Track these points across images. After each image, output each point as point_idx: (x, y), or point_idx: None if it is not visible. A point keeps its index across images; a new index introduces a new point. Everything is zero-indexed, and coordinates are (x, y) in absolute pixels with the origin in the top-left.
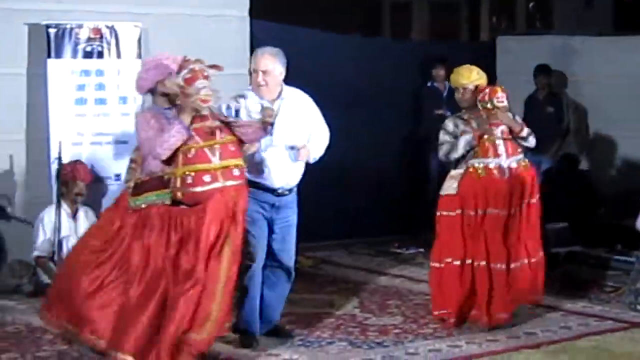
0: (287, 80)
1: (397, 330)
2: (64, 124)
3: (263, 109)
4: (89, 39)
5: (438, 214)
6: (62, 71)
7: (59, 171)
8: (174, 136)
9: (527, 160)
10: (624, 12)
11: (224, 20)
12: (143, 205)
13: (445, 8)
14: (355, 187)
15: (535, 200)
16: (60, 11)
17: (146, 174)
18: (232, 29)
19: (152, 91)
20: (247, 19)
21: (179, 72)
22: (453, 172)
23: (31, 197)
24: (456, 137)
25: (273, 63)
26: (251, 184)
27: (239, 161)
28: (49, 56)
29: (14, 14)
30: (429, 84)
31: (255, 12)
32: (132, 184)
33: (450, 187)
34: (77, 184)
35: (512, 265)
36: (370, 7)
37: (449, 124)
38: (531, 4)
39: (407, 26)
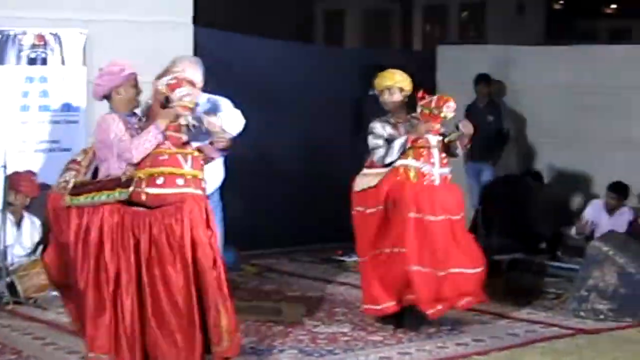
0: (225, 86)
1: (346, 338)
2: (8, 131)
3: (204, 123)
4: (33, 46)
5: (355, 210)
6: (5, 78)
7: (5, 179)
8: (150, 140)
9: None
10: (555, 22)
11: (169, 27)
12: (88, 205)
13: (377, 15)
14: (297, 196)
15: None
16: (3, 17)
17: (104, 176)
18: (177, 36)
19: (107, 97)
20: (191, 26)
21: (162, 76)
22: (366, 171)
23: None
24: (387, 140)
25: (194, 72)
26: None
27: (203, 176)
28: None
29: None
30: (370, 92)
31: (199, 19)
32: (70, 185)
33: (366, 182)
34: (20, 195)
35: (451, 271)
36: (304, 14)
37: (377, 127)
38: (464, 13)
39: (340, 33)
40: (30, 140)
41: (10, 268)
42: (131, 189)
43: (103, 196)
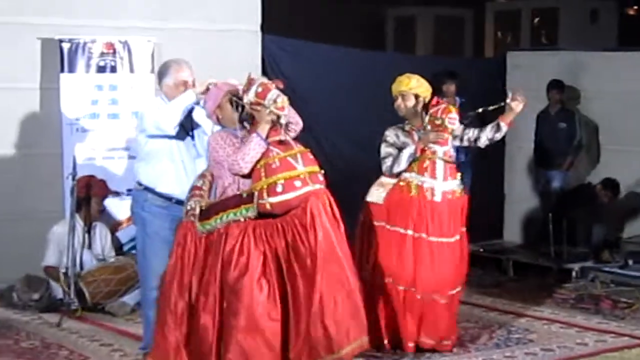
0: (293, 93)
1: None
2: (77, 138)
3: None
4: (102, 54)
5: (365, 220)
6: (75, 86)
7: (73, 187)
8: (254, 149)
9: (462, 186)
10: (629, 28)
11: (236, 35)
12: (219, 227)
13: (449, 21)
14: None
15: (463, 230)
16: (73, 26)
17: (220, 194)
18: (244, 43)
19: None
20: (259, 33)
21: (247, 90)
22: (384, 180)
23: (44, 212)
24: (399, 149)
25: (187, 72)
26: (164, 197)
27: (318, 168)
28: (62, 71)
29: (27, 28)
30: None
31: (266, 27)
32: (196, 211)
33: (378, 195)
34: (92, 199)
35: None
36: (375, 21)
37: (390, 135)
38: (536, 19)
39: (411, 40)
40: (100, 147)
41: (79, 275)
42: (255, 203)
43: (231, 214)
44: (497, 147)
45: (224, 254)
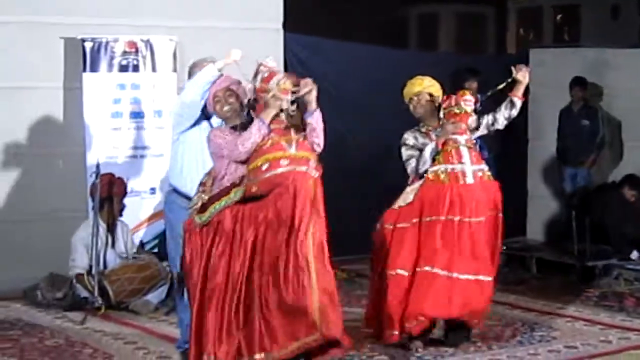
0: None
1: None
2: (99, 137)
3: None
4: (125, 53)
5: (390, 226)
6: (97, 85)
7: (96, 185)
8: (255, 133)
9: (489, 171)
10: None
11: (259, 33)
12: (214, 216)
13: (471, 19)
14: (389, 202)
15: (500, 215)
16: (95, 25)
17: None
18: (266, 41)
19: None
20: (282, 31)
21: (254, 77)
22: (409, 188)
23: (68, 211)
24: (420, 150)
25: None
26: (186, 198)
27: (315, 157)
28: (84, 70)
29: (50, 28)
30: None
31: (288, 25)
32: (198, 205)
33: (403, 200)
34: (113, 198)
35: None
36: (397, 18)
37: (409, 138)
38: (559, 16)
39: (434, 37)
40: (122, 146)
41: (103, 273)
42: (242, 185)
43: (222, 202)
44: (520, 145)
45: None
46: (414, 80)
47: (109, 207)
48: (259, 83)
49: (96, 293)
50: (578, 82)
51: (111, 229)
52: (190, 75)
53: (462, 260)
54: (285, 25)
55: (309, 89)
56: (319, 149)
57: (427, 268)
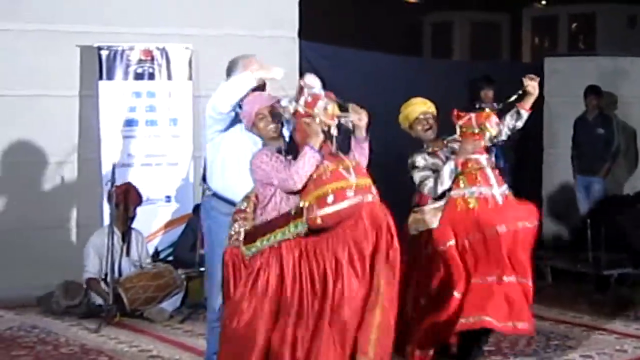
0: None
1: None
2: (114, 145)
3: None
4: (140, 61)
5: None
6: (113, 93)
7: (110, 194)
8: (308, 162)
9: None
10: None
11: (274, 41)
12: (267, 247)
13: (486, 27)
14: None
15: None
16: (111, 33)
17: (272, 217)
18: (281, 50)
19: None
20: (297, 40)
21: (297, 99)
22: (419, 208)
23: (82, 218)
24: (433, 170)
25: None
26: (228, 203)
27: (371, 181)
28: (100, 78)
29: (66, 36)
30: (477, 106)
31: (304, 33)
32: (241, 236)
33: (422, 225)
34: (128, 207)
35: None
36: (412, 26)
37: (419, 160)
38: (574, 25)
39: (448, 45)
40: (138, 154)
41: (117, 281)
42: (304, 218)
43: (278, 235)
44: (535, 153)
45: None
46: (416, 101)
47: (124, 215)
48: (302, 107)
49: (111, 301)
50: (593, 91)
51: (125, 238)
52: (228, 72)
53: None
54: (300, 34)
55: (359, 115)
56: None
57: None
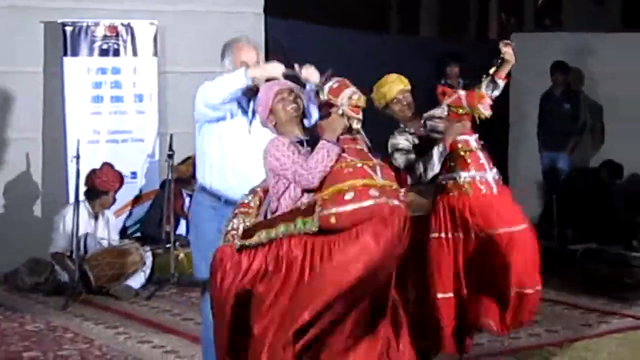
0: None
1: None
2: (80, 122)
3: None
4: (105, 37)
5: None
6: (78, 69)
7: (79, 170)
8: (328, 156)
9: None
10: (632, 9)
11: (240, 17)
12: (264, 241)
13: (453, 4)
14: None
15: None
16: (76, 9)
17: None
18: (247, 26)
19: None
20: (262, 16)
21: (322, 85)
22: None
23: (47, 195)
24: (417, 152)
25: (249, 53)
26: (213, 196)
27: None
28: (65, 54)
29: (30, 12)
30: (442, 82)
31: (269, 9)
32: (239, 231)
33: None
34: (108, 193)
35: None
36: (379, 2)
37: (401, 141)
38: (540, 1)
39: (415, 22)
40: (103, 131)
41: (84, 258)
42: (316, 215)
43: (281, 228)
44: (501, 129)
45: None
46: (392, 78)
47: (102, 199)
48: (325, 94)
49: (77, 278)
50: (559, 67)
51: (98, 217)
52: (223, 56)
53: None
54: (266, 10)
55: (307, 70)
56: None
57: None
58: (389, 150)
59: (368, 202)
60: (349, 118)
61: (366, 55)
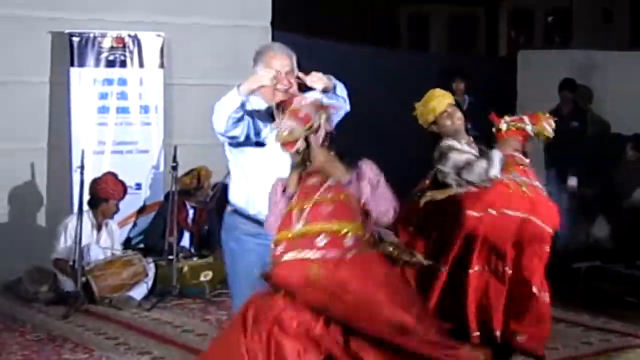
0: None
1: None
2: (85, 132)
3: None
4: (112, 48)
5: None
6: (84, 80)
7: (82, 181)
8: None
9: None
10: None
11: (247, 30)
12: None
13: (463, 20)
14: None
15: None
16: (83, 20)
17: None
18: (254, 39)
19: None
20: (269, 29)
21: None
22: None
23: (51, 205)
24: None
25: (293, 62)
26: (254, 222)
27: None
28: (71, 65)
29: (37, 22)
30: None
31: (277, 23)
32: None
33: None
34: (110, 202)
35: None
36: (388, 18)
37: (455, 143)
38: (550, 18)
39: (425, 38)
40: (108, 141)
41: (86, 268)
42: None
43: None
44: None
45: None
46: (439, 93)
47: (104, 207)
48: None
49: (79, 287)
50: (567, 85)
51: (101, 227)
52: (255, 63)
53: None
54: (273, 24)
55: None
56: None
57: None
58: (441, 152)
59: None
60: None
61: (375, 71)
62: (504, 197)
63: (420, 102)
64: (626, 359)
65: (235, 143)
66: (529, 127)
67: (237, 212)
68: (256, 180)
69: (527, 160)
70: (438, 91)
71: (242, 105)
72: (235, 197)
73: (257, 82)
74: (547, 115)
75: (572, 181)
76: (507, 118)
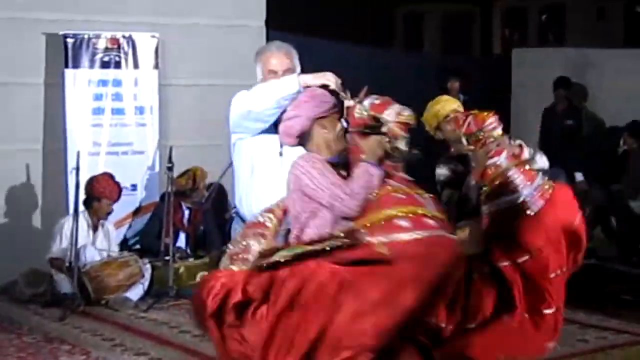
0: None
1: None
2: (80, 133)
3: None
4: (107, 49)
5: None
6: (79, 81)
7: (78, 182)
8: (370, 180)
9: None
10: (635, 25)
11: (241, 30)
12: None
13: (457, 19)
14: None
15: None
16: (78, 21)
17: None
18: (248, 39)
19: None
20: (264, 29)
21: (360, 101)
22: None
23: (47, 206)
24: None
25: (294, 60)
26: None
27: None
28: (66, 66)
29: (31, 23)
30: None
31: (271, 22)
32: (249, 255)
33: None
34: (105, 202)
35: None
36: (383, 18)
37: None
38: (544, 17)
39: (419, 37)
40: (103, 143)
41: (82, 270)
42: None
43: (298, 249)
44: None
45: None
46: (445, 98)
47: (98, 206)
48: (365, 111)
49: (75, 289)
50: (562, 82)
51: (95, 227)
52: (255, 63)
53: None
54: (268, 23)
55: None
56: None
57: None
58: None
59: (425, 232)
60: (391, 139)
61: (369, 71)
62: None
63: (426, 109)
64: (622, 357)
65: (250, 134)
66: (480, 134)
67: (237, 213)
68: (262, 173)
69: (505, 160)
70: (443, 97)
71: (297, 94)
72: (238, 200)
73: (322, 80)
74: (486, 115)
75: (579, 177)
76: (462, 128)
